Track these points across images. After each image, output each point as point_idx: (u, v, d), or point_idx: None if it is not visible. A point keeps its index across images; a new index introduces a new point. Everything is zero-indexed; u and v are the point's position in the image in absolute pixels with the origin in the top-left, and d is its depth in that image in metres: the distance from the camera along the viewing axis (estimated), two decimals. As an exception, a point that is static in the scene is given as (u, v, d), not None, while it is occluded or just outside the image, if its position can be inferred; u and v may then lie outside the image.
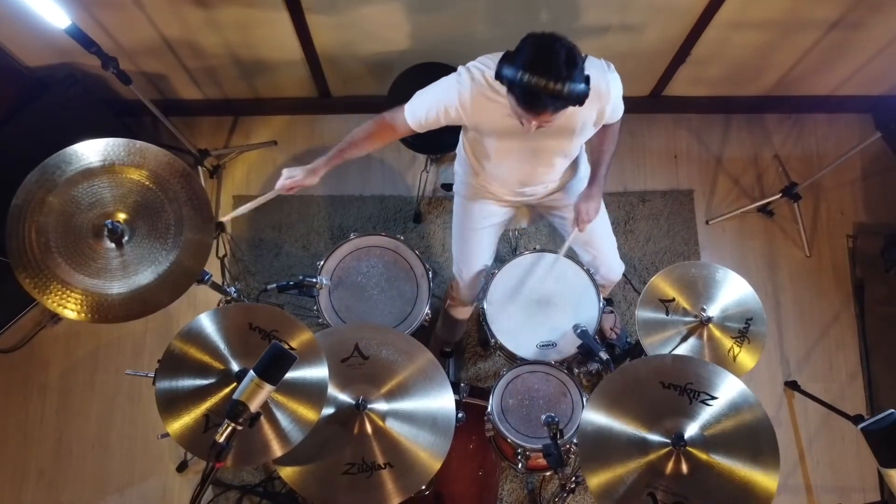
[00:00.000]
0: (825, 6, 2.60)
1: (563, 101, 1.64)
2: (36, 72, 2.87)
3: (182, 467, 2.86)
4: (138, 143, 1.92)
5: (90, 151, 1.91)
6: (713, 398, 1.78)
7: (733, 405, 1.77)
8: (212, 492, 2.79)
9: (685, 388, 1.79)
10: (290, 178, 2.09)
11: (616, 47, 2.81)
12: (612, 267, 2.47)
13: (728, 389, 1.79)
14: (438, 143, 2.59)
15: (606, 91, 1.90)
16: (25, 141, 2.64)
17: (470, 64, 1.92)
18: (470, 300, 2.51)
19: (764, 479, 1.69)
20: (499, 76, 1.66)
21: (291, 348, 1.78)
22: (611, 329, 2.93)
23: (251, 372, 1.34)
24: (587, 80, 1.65)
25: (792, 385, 2.98)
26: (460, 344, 3.00)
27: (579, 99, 1.64)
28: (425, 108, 1.96)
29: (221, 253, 3.09)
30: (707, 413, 1.76)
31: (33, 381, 3.00)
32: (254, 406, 1.33)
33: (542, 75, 1.58)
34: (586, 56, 1.75)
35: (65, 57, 2.82)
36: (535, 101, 1.63)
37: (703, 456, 1.71)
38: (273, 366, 1.33)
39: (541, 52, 1.60)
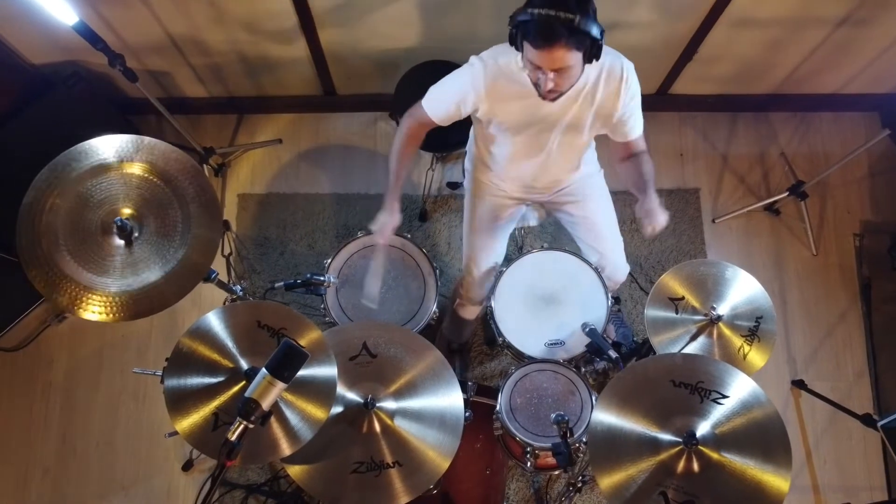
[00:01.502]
0: (833, 3, 2.60)
1: (576, 34, 1.63)
2: (40, 69, 2.86)
3: (187, 466, 2.85)
4: (147, 139, 1.91)
5: (99, 148, 1.91)
6: (724, 397, 1.77)
7: (744, 403, 1.76)
8: (217, 491, 2.78)
9: (696, 387, 1.78)
10: (380, 228, 2.10)
11: (623, 45, 2.76)
12: (618, 267, 2.46)
13: (739, 388, 1.78)
14: (445, 141, 2.60)
15: (621, 74, 1.90)
16: (30, 139, 2.63)
17: (482, 53, 1.92)
18: (479, 299, 2.50)
19: (775, 479, 1.68)
20: (512, 24, 1.68)
21: (300, 345, 1.77)
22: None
23: (263, 370, 1.33)
24: (601, 33, 1.67)
25: (799, 384, 2.97)
26: (466, 343, 2.99)
27: (591, 37, 1.64)
28: (443, 101, 1.98)
29: (227, 251, 3.08)
30: (718, 412, 1.76)
31: (38, 379, 3.00)
32: (266, 404, 1.32)
33: (553, 6, 1.60)
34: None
35: (69, 55, 2.81)
36: (548, 31, 1.62)
37: (714, 455, 1.71)
38: (285, 363, 1.32)
39: None
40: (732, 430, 1.74)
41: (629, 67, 1.92)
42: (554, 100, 1.84)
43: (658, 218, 1.99)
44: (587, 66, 1.79)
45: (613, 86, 1.92)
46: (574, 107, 1.93)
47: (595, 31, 1.65)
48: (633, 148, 2.14)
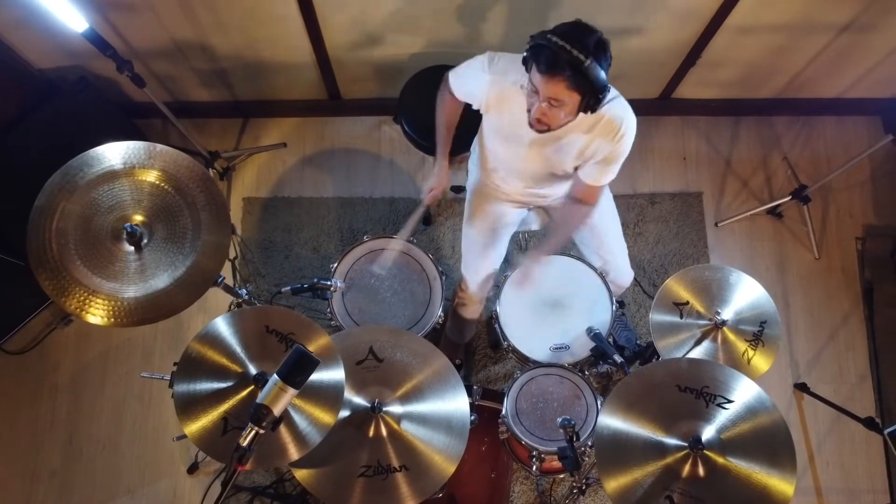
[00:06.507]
0: (836, 9, 2.61)
1: (580, 75, 1.66)
2: (47, 74, 2.88)
3: (193, 469, 2.87)
4: (158, 146, 1.93)
5: (112, 155, 1.93)
6: (729, 401, 1.78)
7: (750, 408, 1.77)
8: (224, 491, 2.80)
9: (701, 392, 1.79)
10: (430, 189, 2.28)
11: (627, 50, 2.82)
12: (622, 272, 2.48)
13: (744, 392, 1.79)
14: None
15: (621, 130, 1.90)
16: (37, 144, 2.65)
17: (498, 56, 1.95)
18: (479, 299, 2.52)
19: (780, 483, 1.69)
20: (530, 44, 1.72)
21: (310, 351, 1.78)
22: None
23: (274, 376, 1.34)
24: (605, 88, 1.71)
25: (801, 387, 2.98)
26: (470, 347, 3.00)
27: (596, 82, 1.67)
28: (462, 86, 2.06)
29: (232, 255, 3.09)
30: (724, 416, 1.77)
31: (44, 382, 3.01)
32: (277, 410, 1.34)
33: (569, 41, 1.64)
34: (617, 95, 1.85)
35: (76, 59, 2.83)
36: (555, 61, 1.66)
37: (720, 459, 1.72)
38: (297, 370, 1.34)
39: (576, 28, 1.68)
40: (738, 435, 1.75)
41: (630, 126, 1.91)
42: (540, 132, 1.87)
43: (521, 285, 2.26)
44: (582, 115, 1.82)
45: (606, 134, 1.92)
46: (565, 136, 1.96)
47: (600, 83, 1.68)
48: (587, 196, 2.13)
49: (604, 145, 1.93)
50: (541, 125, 1.83)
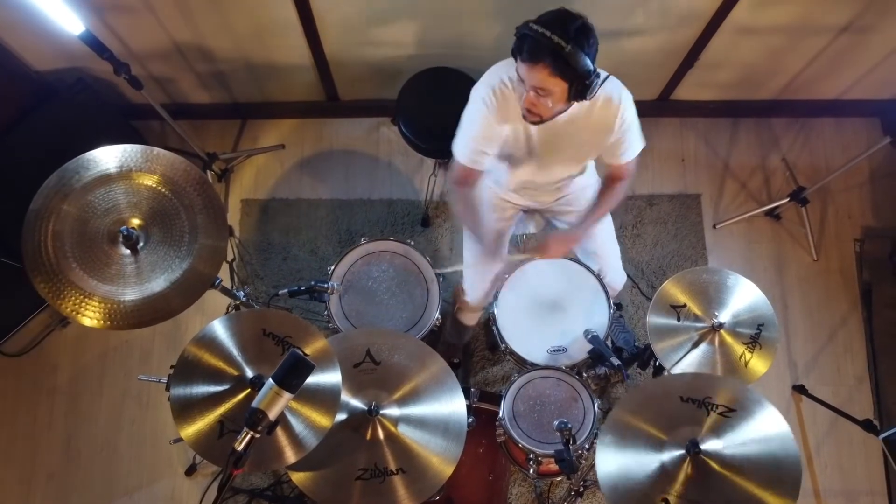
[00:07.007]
0: (835, 11, 2.61)
1: (561, 61, 1.65)
2: (45, 76, 2.87)
3: (191, 471, 2.86)
4: (155, 149, 1.93)
5: (109, 158, 1.92)
6: (731, 410, 1.78)
7: (766, 437, 1.76)
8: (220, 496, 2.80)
9: (702, 401, 1.79)
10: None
11: (625, 52, 2.82)
12: (615, 275, 2.47)
13: (763, 421, 1.78)
14: (446, 148, 2.60)
15: (618, 102, 1.91)
16: (34, 146, 2.65)
17: (484, 81, 1.95)
18: (479, 305, 2.52)
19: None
20: (516, 34, 1.71)
21: (306, 354, 1.78)
22: None
23: (270, 380, 1.34)
24: (595, 73, 1.70)
25: (800, 389, 2.98)
26: (469, 348, 3.00)
27: (579, 68, 1.66)
28: (475, 149, 2.02)
29: (230, 257, 3.09)
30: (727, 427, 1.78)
31: (42, 384, 3.01)
32: (272, 414, 1.34)
33: (550, 28, 1.64)
34: (608, 76, 1.81)
35: (74, 61, 2.83)
36: (536, 48, 1.66)
37: (716, 467, 1.72)
38: (292, 374, 1.33)
39: (559, 14, 1.68)
40: (743, 451, 1.74)
41: (626, 98, 1.93)
42: (534, 123, 1.86)
43: (561, 248, 2.18)
44: (576, 104, 1.82)
45: (609, 113, 1.93)
46: (568, 129, 1.95)
47: (583, 68, 1.67)
48: (619, 174, 2.17)
49: (609, 121, 1.94)
50: (532, 115, 1.83)
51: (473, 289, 2.41)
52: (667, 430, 1.76)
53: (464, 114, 2.02)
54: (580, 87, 1.73)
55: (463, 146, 2.04)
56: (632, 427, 1.77)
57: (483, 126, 1.97)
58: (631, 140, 2.05)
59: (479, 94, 1.95)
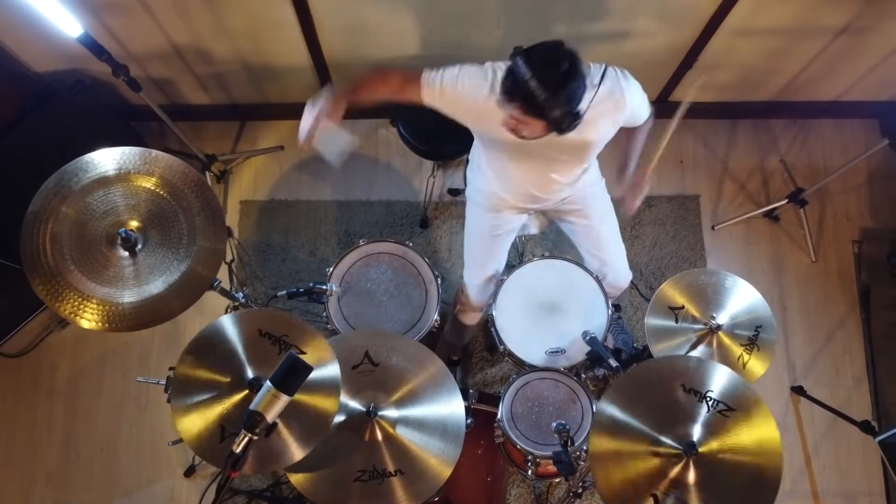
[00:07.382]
0: (833, 12, 2.61)
1: (536, 107, 1.61)
2: (44, 77, 2.88)
3: (190, 472, 2.87)
4: (154, 152, 1.93)
5: (108, 160, 1.92)
6: (731, 409, 1.78)
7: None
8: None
9: (703, 395, 1.80)
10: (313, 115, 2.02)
11: (623, 53, 2.82)
12: (620, 274, 2.47)
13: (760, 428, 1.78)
14: (444, 150, 2.67)
15: (621, 99, 1.90)
16: (33, 147, 2.65)
17: (498, 66, 1.86)
18: (480, 306, 2.52)
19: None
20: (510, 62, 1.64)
21: (303, 353, 1.79)
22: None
23: (268, 382, 1.34)
24: (575, 114, 1.65)
25: (798, 390, 2.98)
26: (467, 349, 3.00)
27: (552, 117, 1.63)
28: (453, 86, 1.89)
29: (229, 258, 3.09)
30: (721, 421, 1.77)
31: (41, 385, 3.01)
32: (270, 416, 1.34)
33: (532, 69, 1.57)
34: (605, 70, 1.77)
35: (73, 63, 2.83)
36: (512, 87, 1.61)
37: (711, 464, 1.72)
38: (289, 376, 1.34)
39: (548, 53, 1.60)
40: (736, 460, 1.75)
41: (628, 86, 1.91)
42: (523, 137, 1.81)
43: (636, 196, 2.20)
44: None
45: (616, 112, 1.92)
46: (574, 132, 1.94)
47: (555, 116, 1.62)
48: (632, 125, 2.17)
49: (616, 115, 1.93)
50: (515, 133, 1.79)
51: (473, 281, 2.41)
52: (661, 427, 1.76)
53: (460, 65, 1.90)
54: (556, 126, 1.68)
55: (440, 75, 1.91)
56: (629, 413, 1.78)
57: (471, 87, 1.86)
58: (641, 112, 2.06)
59: (490, 66, 1.87)
